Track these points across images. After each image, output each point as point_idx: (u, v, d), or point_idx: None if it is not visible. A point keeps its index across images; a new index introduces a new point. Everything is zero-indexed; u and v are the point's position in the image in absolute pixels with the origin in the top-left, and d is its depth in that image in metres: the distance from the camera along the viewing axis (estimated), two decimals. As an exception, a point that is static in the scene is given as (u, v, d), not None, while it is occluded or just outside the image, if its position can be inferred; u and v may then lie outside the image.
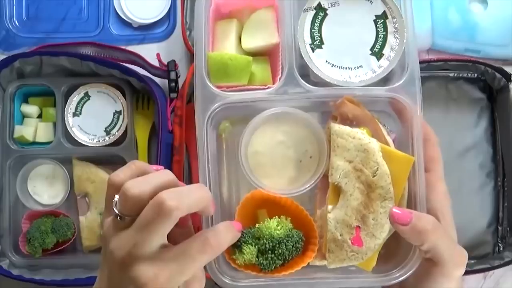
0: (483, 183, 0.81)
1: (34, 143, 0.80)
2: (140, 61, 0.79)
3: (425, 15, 0.81)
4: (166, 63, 0.79)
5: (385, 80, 0.55)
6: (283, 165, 0.55)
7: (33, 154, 0.79)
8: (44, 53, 0.76)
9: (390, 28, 0.55)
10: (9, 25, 0.85)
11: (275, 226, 0.52)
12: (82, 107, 0.80)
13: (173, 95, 0.77)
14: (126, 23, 0.86)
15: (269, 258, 0.51)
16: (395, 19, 0.54)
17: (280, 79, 0.54)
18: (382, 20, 0.55)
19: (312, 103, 0.55)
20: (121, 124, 0.80)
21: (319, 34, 0.55)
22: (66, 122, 0.79)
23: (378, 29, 0.55)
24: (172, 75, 0.78)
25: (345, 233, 0.51)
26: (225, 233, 0.47)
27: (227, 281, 0.52)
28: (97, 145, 0.79)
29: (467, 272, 0.77)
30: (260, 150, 0.55)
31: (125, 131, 0.79)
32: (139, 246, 0.43)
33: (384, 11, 0.55)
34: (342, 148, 0.51)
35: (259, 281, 0.52)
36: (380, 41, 0.55)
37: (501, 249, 0.80)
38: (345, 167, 0.51)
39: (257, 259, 0.51)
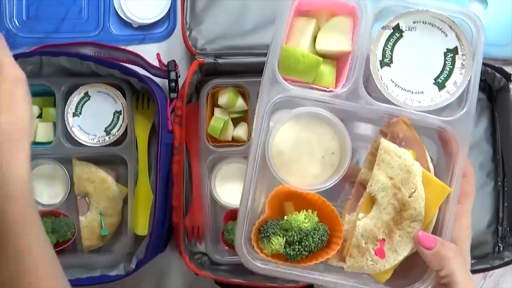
0: (483, 183, 0.81)
1: (34, 143, 0.80)
2: (140, 61, 0.79)
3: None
4: (166, 63, 0.79)
5: (437, 108, 0.56)
6: (307, 163, 0.57)
7: (33, 154, 0.78)
8: (44, 53, 0.76)
9: (458, 63, 0.56)
10: (9, 25, 0.85)
11: (303, 219, 0.54)
12: (82, 107, 0.80)
13: (173, 95, 0.77)
14: (126, 23, 0.86)
15: (296, 249, 0.54)
16: (464, 57, 0.56)
17: (345, 86, 0.56)
18: (452, 55, 0.56)
19: (364, 115, 0.57)
20: (121, 124, 0.80)
21: (390, 53, 0.57)
22: (66, 122, 0.79)
23: (446, 61, 0.56)
24: (172, 75, 0.78)
25: (370, 243, 0.53)
26: None
27: (258, 264, 0.55)
28: (97, 145, 0.79)
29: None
30: (284, 149, 0.57)
31: (125, 131, 0.79)
32: None
33: (456, 47, 0.56)
34: (387, 164, 0.54)
35: (283, 268, 0.55)
36: (446, 73, 0.56)
37: (501, 249, 0.80)
38: (385, 182, 0.53)
39: (284, 249, 0.54)
